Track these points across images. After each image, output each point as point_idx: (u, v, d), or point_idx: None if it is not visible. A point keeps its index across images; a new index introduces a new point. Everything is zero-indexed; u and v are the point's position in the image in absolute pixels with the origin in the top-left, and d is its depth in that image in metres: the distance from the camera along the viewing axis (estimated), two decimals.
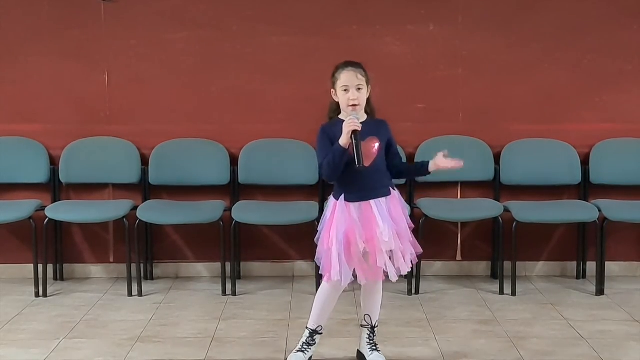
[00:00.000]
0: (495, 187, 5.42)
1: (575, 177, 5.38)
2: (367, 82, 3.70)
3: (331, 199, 3.75)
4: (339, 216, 3.65)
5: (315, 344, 3.86)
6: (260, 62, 5.39)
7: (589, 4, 5.38)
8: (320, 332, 3.87)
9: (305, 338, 3.86)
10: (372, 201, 3.67)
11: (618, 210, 5.10)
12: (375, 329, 3.91)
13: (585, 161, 5.41)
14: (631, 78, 5.43)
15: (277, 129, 5.41)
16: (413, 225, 3.82)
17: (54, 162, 5.39)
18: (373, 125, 3.73)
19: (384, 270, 3.71)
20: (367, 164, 3.62)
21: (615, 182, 5.37)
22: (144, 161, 5.39)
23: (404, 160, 5.26)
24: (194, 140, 5.43)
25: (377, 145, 3.67)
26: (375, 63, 5.34)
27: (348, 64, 3.70)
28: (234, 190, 5.39)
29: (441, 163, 3.74)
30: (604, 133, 5.43)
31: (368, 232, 3.64)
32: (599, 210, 5.06)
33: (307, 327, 3.87)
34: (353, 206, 3.66)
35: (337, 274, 3.64)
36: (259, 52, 5.39)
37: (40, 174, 5.35)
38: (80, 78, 5.39)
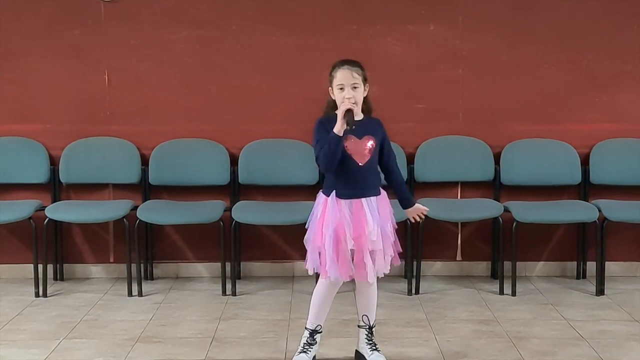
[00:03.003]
0: (495, 187, 5.42)
1: (575, 177, 5.38)
2: (364, 81, 3.70)
3: (321, 194, 3.76)
4: (329, 212, 3.66)
5: (316, 343, 3.86)
6: (260, 62, 5.39)
7: (589, 5, 5.38)
8: (320, 330, 3.87)
9: (306, 338, 3.86)
10: (363, 199, 3.69)
11: (618, 210, 5.10)
12: (373, 329, 3.90)
13: (585, 161, 5.41)
14: (631, 78, 5.43)
15: (277, 129, 5.41)
16: (396, 226, 3.83)
17: (54, 162, 5.39)
18: (368, 124, 3.74)
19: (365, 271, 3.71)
20: (361, 162, 3.66)
21: (615, 182, 5.37)
22: (144, 161, 5.39)
23: (399, 160, 5.28)
24: (194, 140, 5.43)
25: (371, 143, 3.70)
26: (375, 63, 5.36)
27: (344, 62, 3.71)
28: (234, 190, 5.39)
29: (416, 211, 3.90)
30: (604, 133, 5.43)
31: (357, 230, 3.65)
32: (599, 210, 5.06)
33: (306, 328, 3.88)
34: (344, 203, 3.67)
35: (335, 271, 3.65)
36: (259, 52, 5.39)
37: (40, 174, 5.35)
38: (80, 78, 5.39)
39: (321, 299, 3.83)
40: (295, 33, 5.37)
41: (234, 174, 5.37)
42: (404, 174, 5.31)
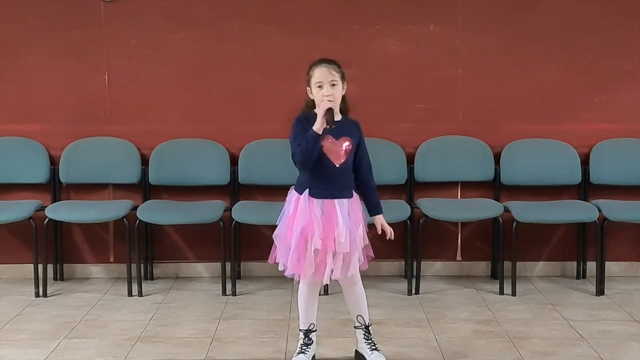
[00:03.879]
0: (495, 187, 5.42)
1: (575, 177, 5.38)
2: (342, 79, 3.69)
3: (293, 192, 3.75)
4: (300, 210, 3.65)
5: (312, 342, 3.86)
6: (260, 62, 5.39)
7: (589, 5, 5.38)
8: (314, 329, 3.87)
9: (302, 339, 3.87)
10: (336, 200, 3.68)
11: (618, 210, 5.10)
12: (370, 328, 3.90)
13: (585, 161, 5.41)
14: (631, 78, 5.43)
15: (277, 129, 5.40)
16: (368, 230, 3.79)
17: (54, 162, 5.39)
18: (346, 125, 3.73)
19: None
20: (337, 163, 3.67)
21: (615, 182, 5.37)
22: (144, 161, 5.39)
23: (399, 160, 5.28)
24: (194, 140, 5.43)
25: (347, 144, 3.70)
26: (375, 63, 5.39)
27: (322, 61, 3.71)
28: (234, 190, 5.39)
29: (381, 224, 3.82)
30: (604, 133, 5.43)
31: (326, 231, 3.64)
32: (599, 210, 5.06)
33: (300, 329, 3.89)
34: (316, 202, 3.67)
35: (293, 269, 3.66)
36: (259, 52, 5.39)
37: (40, 174, 5.35)
38: (80, 78, 5.39)
39: (305, 299, 3.83)
40: (295, 33, 5.37)
41: (234, 174, 5.37)
42: (404, 174, 5.35)
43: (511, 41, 5.40)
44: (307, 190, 3.68)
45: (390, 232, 3.83)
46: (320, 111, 3.59)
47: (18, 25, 5.34)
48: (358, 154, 3.77)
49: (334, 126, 3.58)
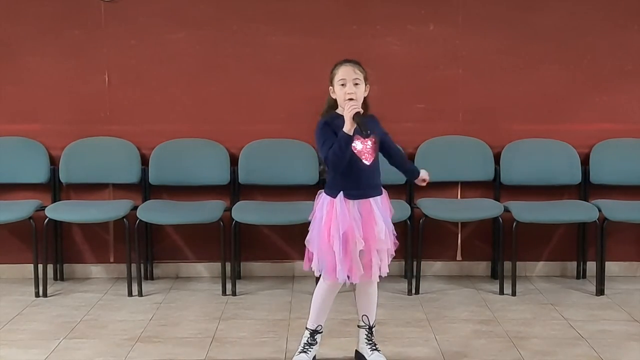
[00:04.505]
0: (495, 187, 5.42)
1: (575, 177, 5.38)
2: (365, 80, 3.70)
3: (324, 196, 3.73)
4: (338, 214, 3.64)
5: (316, 343, 3.87)
6: (260, 62, 5.39)
7: (589, 5, 5.38)
8: (321, 331, 3.87)
9: (306, 338, 3.86)
10: (371, 199, 3.69)
11: (618, 210, 5.10)
12: (373, 329, 3.91)
13: (585, 161, 5.41)
14: (631, 78, 5.43)
15: (277, 129, 5.42)
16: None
17: (54, 162, 5.39)
18: (370, 123, 3.72)
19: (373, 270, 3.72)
20: (368, 162, 3.69)
21: (615, 182, 5.37)
22: (144, 161, 5.39)
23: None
24: (194, 140, 5.43)
25: (372, 141, 3.71)
26: (375, 63, 5.36)
27: (346, 61, 3.73)
28: (234, 190, 5.39)
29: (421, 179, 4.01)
30: (604, 133, 5.43)
31: (367, 231, 3.65)
32: (599, 210, 5.06)
33: (306, 328, 3.88)
34: (352, 203, 3.67)
35: (344, 274, 3.65)
36: (259, 52, 5.39)
37: (40, 174, 5.35)
38: (80, 78, 5.39)
39: (322, 300, 3.83)
40: (295, 33, 5.37)
41: (234, 174, 5.37)
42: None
43: (511, 41, 5.40)
44: (341, 193, 3.66)
45: (427, 176, 4.04)
46: (347, 114, 3.55)
47: (18, 25, 5.35)
48: (385, 145, 3.82)
49: (369, 132, 3.57)
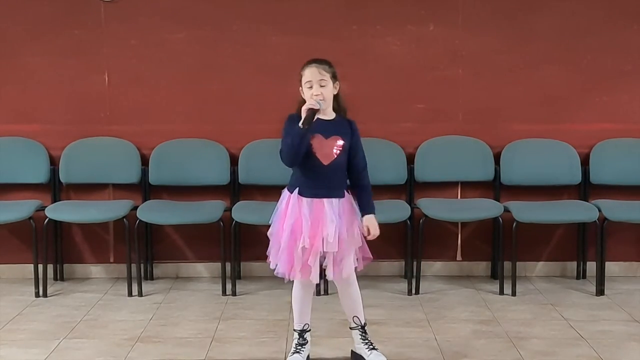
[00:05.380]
0: (495, 187, 5.42)
1: (575, 177, 5.38)
2: (333, 79, 3.70)
3: (285, 192, 3.75)
4: (290, 209, 3.67)
5: (307, 342, 3.87)
6: (260, 62, 5.39)
7: (589, 5, 5.38)
8: (308, 329, 3.88)
9: (296, 340, 3.88)
10: (325, 199, 3.68)
11: (618, 210, 5.10)
12: (366, 327, 3.90)
13: (585, 161, 5.41)
14: (631, 78, 5.43)
15: (277, 129, 5.34)
16: (363, 230, 3.74)
17: (54, 162, 5.39)
18: (338, 124, 3.74)
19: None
20: (325, 162, 3.67)
21: (615, 182, 5.37)
22: (144, 161, 5.39)
23: (399, 160, 5.28)
24: (194, 140, 5.43)
25: (339, 144, 3.69)
26: (375, 63, 5.39)
27: (312, 61, 3.73)
28: (234, 190, 5.39)
29: (369, 225, 3.72)
30: (604, 133, 5.43)
31: (313, 230, 3.64)
32: (599, 210, 5.06)
33: (294, 329, 3.90)
34: (305, 201, 3.67)
35: (283, 268, 3.67)
36: (259, 52, 5.39)
37: (40, 174, 5.35)
38: (80, 78, 5.39)
39: (299, 299, 3.85)
40: (295, 33, 5.37)
41: (234, 174, 5.37)
42: (404, 174, 5.34)
43: (511, 41, 5.40)
44: (296, 189, 3.69)
45: (372, 235, 3.73)
46: (303, 108, 3.59)
47: (18, 25, 5.35)
48: (351, 153, 3.75)
49: (308, 127, 3.56)
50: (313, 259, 3.66)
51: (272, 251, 3.77)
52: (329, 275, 3.73)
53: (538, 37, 5.39)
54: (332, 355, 4.04)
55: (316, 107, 3.60)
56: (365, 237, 3.75)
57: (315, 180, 3.67)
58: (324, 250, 3.66)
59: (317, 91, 3.65)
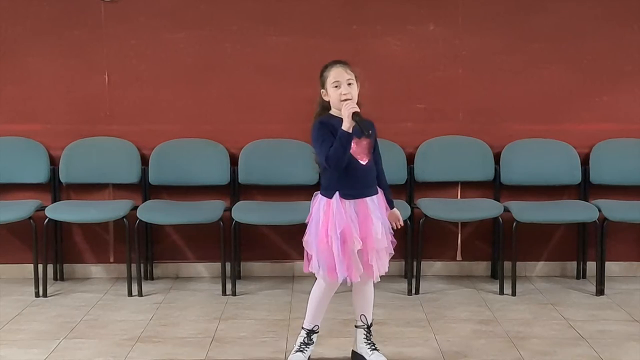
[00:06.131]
0: (495, 187, 5.42)
1: (575, 177, 5.38)
2: (357, 79, 3.71)
3: (320, 197, 3.73)
4: (335, 214, 3.64)
5: (313, 343, 3.86)
6: (260, 62, 5.39)
7: (589, 4, 5.38)
8: (317, 331, 3.87)
9: (303, 338, 3.87)
10: (367, 199, 3.70)
11: (618, 210, 5.10)
12: (371, 328, 3.90)
13: (585, 161, 5.41)
14: (631, 78, 5.43)
15: (277, 129, 5.42)
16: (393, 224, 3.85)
17: (54, 162, 5.39)
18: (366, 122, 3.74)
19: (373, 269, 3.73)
20: (364, 162, 3.69)
21: (615, 182, 5.37)
22: (144, 161, 5.39)
23: (399, 160, 5.30)
24: (194, 140, 5.43)
25: (368, 142, 3.72)
26: (375, 63, 5.38)
27: (336, 62, 3.72)
28: (234, 190, 5.39)
29: (393, 218, 3.84)
30: (604, 133, 5.43)
31: (364, 230, 3.65)
32: (599, 210, 5.06)
33: (303, 327, 3.88)
34: (349, 203, 3.67)
35: (344, 273, 3.64)
36: (259, 52, 5.39)
37: (40, 174, 5.35)
38: (80, 78, 5.39)
39: (319, 300, 3.83)
40: (295, 33, 5.37)
41: (234, 174, 5.37)
42: (404, 174, 5.34)
43: (511, 41, 5.40)
44: (337, 193, 3.66)
45: (400, 223, 3.89)
46: (345, 112, 3.56)
47: (18, 25, 5.34)
48: (374, 152, 3.80)
49: (368, 132, 3.59)
50: (372, 257, 3.68)
51: (318, 259, 3.70)
52: (381, 271, 3.76)
53: (538, 37, 5.39)
54: (333, 355, 4.04)
55: (357, 109, 3.59)
56: (393, 230, 3.83)
57: (356, 181, 3.68)
58: (377, 247, 3.68)
59: (345, 90, 3.63)
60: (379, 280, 3.81)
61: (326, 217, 3.67)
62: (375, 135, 3.80)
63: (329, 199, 3.68)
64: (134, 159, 5.36)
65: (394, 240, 3.83)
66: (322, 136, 3.65)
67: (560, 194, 5.44)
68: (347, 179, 3.66)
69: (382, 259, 3.76)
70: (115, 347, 4.14)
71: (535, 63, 5.41)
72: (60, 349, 4.13)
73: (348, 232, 3.63)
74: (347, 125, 3.56)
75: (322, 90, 3.73)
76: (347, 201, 3.67)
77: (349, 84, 3.65)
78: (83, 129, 5.40)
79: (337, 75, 3.66)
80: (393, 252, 3.83)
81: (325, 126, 3.66)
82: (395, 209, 3.87)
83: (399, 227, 3.88)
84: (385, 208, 3.80)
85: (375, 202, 3.72)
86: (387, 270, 3.81)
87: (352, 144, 3.64)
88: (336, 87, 3.65)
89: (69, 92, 5.40)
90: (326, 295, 3.82)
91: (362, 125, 3.56)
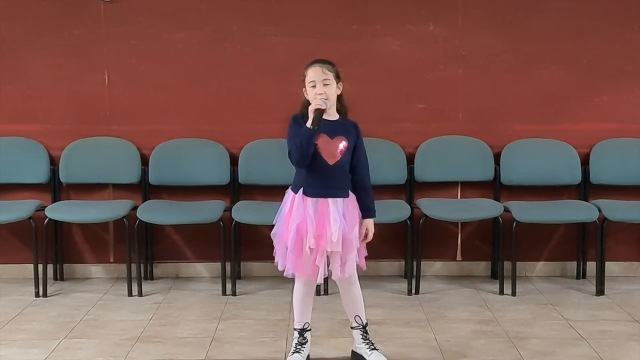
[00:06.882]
0: (495, 187, 5.42)
1: (575, 177, 5.38)
2: (337, 78, 3.71)
3: (289, 192, 3.77)
4: (295, 209, 3.68)
5: (307, 341, 3.87)
6: (260, 62, 5.39)
7: (589, 4, 5.38)
8: (309, 328, 3.88)
9: (296, 339, 3.88)
10: (330, 199, 3.69)
11: (618, 210, 5.10)
12: (367, 328, 3.90)
13: (585, 161, 5.41)
14: (631, 78, 5.43)
15: (277, 129, 5.39)
16: (361, 232, 3.78)
17: (54, 162, 5.39)
18: (342, 125, 3.76)
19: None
20: (331, 162, 3.69)
21: (615, 182, 5.37)
22: (144, 161, 5.39)
23: (399, 160, 5.28)
24: (194, 140, 5.43)
25: (343, 144, 3.71)
26: (375, 63, 5.39)
27: (316, 61, 3.74)
28: (234, 190, 5.39)
29: (365, 227, 3.78)
30: (604, 133, 5.43)
31: (319, 229, 3.65)
32: (599, 210, 5.06)
33: (294, 328, 3.90)
34: (310, 201, 3.68)
35: (292, 268, 3.68)
36: (259, 52, 5.39)
37: (40, 174, 5.35)
38: (80, 78, 5.39)
39: (300, 298, 3.85)
40: (295, 33, 5.37)
41: (234, 174, 5.37)
42: (404, 174, 5.34)
43: (511, 41, 5.40)
44: (301, 189, 3.70)
45: (367, 239, 3.80)
46: (310, 109, 3.61)
47: (18, 25, 5.35)
48: (355, 155, 3.77)
49: (317, 127, 3.59)
50: (320, 258, 3.67)
51: (278, 252, 3.78)
52: (335, 274, 3.74)
53: (538, 37, 5.39)
54: (332, 355, 4.04)
55: (323, 106, 3.62)
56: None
57: (320, 180, 3.68)
58: (329, 250, 3.67)
59: (320, 90, 3.65)
60: (321, 282, 3.82)
61: (289, 211, 3.71)
62: (358, 138, 3.78)
63: (294, 194, 3.72)
64: (133, 159, 5.37)
65: (364, 250, 3.80)
66: (291, 131, 3.70)
67: (560, 194, 5.44)
68: (311, 176, 3.69)
69: (335, 264, 3.69)
70: (115, 347, 4.14)
71: (535, 63, 5.41)
72: (60, 349, 4.13)
73: (303, 229, 3.65)
74: (309, 123, 3.59)
75: (303, 88, 3.76)
76: (308, 198, 3.68)
77: (325, 84, 3.67)
78: (83, 129, 5.40)
79: (314, 75, 3.68)
80: (358, 259, 3.75)
81: (297, 122, 3.69)
82: (368, 220, 3.78)
83: (367, 240, 3.79)
84: (356, 213, 3.75)
85: (339, 205, 3.69)
86: (346, 275, 3.74)
87: (322, 142, 3.65)
88: (313, 86, 3.68)
89: (69, 92, 5.40)
90: (305, 293, 3.84)
91: (315, 119, 3.57)
